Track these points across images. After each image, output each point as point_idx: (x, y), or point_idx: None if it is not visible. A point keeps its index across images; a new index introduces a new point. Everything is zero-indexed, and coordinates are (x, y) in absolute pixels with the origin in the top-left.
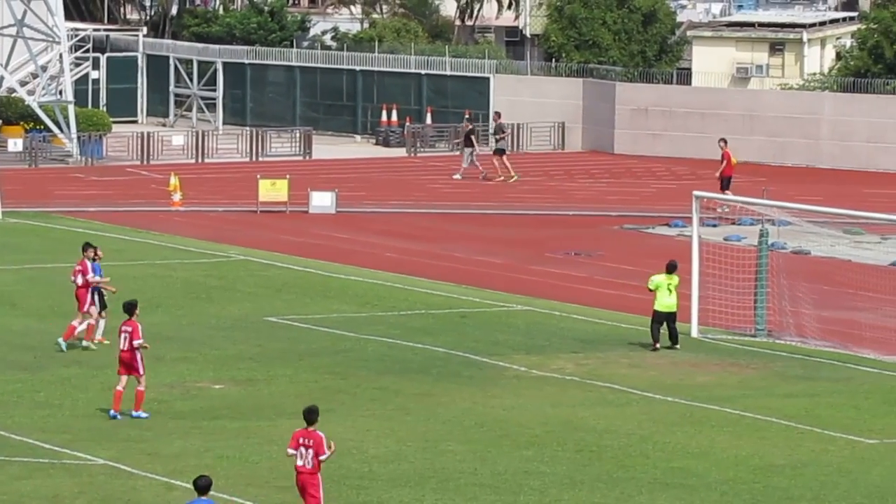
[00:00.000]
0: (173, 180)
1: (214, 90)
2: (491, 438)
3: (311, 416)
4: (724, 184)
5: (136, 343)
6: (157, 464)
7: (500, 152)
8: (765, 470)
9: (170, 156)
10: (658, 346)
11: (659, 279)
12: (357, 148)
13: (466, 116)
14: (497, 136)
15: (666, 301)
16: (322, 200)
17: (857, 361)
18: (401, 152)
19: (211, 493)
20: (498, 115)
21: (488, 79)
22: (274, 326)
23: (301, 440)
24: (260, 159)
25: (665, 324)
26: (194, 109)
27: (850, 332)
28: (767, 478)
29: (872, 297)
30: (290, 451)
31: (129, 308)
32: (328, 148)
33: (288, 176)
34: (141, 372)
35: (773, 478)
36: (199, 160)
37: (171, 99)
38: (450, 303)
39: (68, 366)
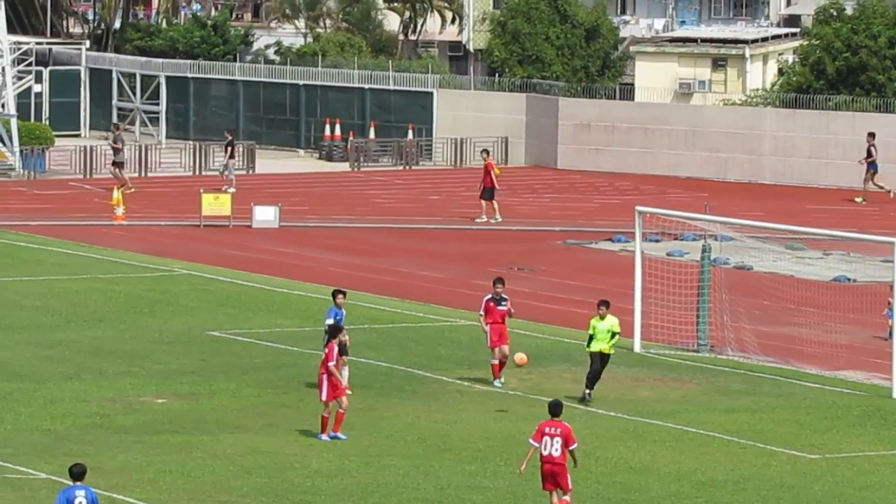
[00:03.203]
0: (116, 194)
1: (157, 104)
2: (433, 453)
3: (556, 408)
4: (486, 194)
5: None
6: (100, 478)
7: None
8: (707, 485)
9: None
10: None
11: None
12: (300, 162)
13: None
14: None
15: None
16: (265, 215)
17: (799, 377)
18: (344, 167)
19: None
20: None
21: (431, 93)
22: (217, 341)
23: (548, 430)
24: (203, 173)
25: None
26: (137, 123)
27: (791, 347)
28: (710, 493)
29: (814, 312)
30: (534, 442)
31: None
32: (271, 162)
33: (231, 190)
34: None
35: (716, 493)
36: (142, 174)
37: (114, 112)
38: (393, 317)
39: (10, 380)
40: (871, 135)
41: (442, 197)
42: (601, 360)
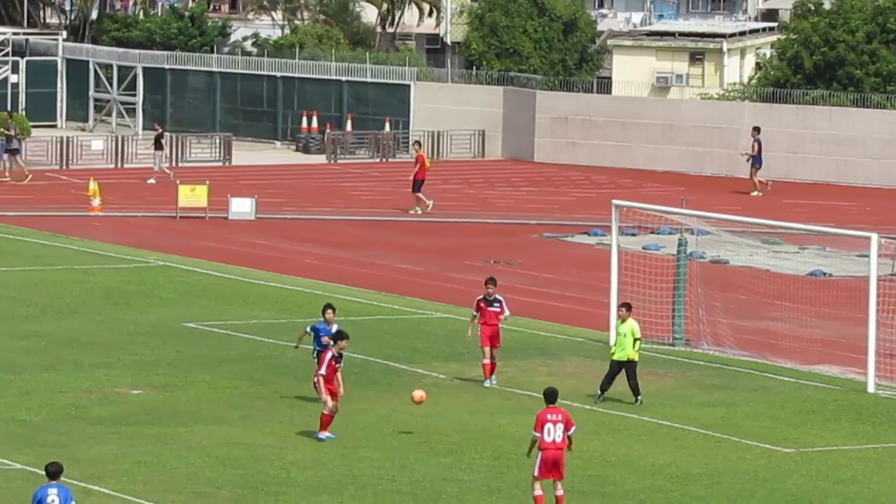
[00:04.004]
0: (92, 185)
1: (134, 95)
2: (409, 445)
3: (553, 396)
4: (416, 187)
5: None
6: (75, 469)
7: None
8: (682, 478)
9: (89, 160)
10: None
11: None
12: (277, 154)
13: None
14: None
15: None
16: (242, 206)
17: (775, 371)
18: (321, 159)
19: (127, 497)
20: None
21: (409, 86)
22: (193, 332)
23: (550, 417)
24: (180, 165)
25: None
26: (114, 114)
27: (767, 341)
28: (684, 486)
29: (790, 307)
30: (537, 433)
31: None
32: (248, 154)
33: (208, 182)
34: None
35: (690, 486)
36: (119, 165)
37: (91, 103)
38: (369, 310)
39: None
40: (756, 129)
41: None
42: (621, 367)
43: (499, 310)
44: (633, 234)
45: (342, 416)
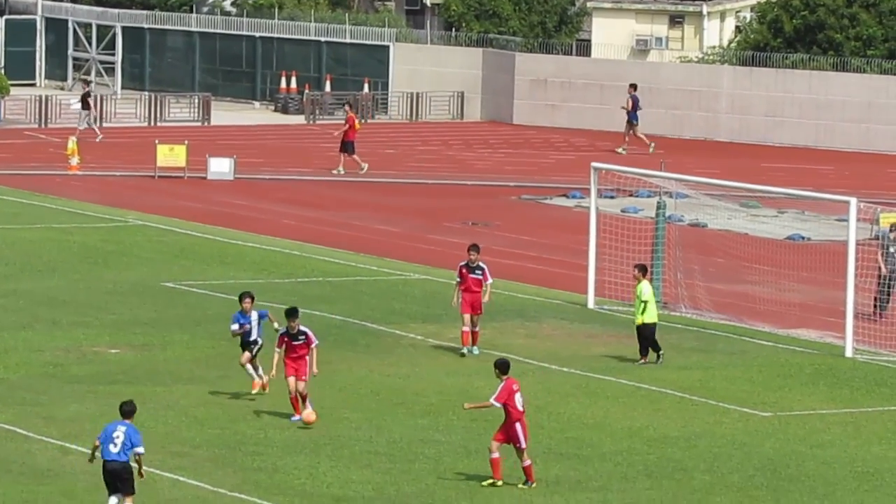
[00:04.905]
0: (71, 144)
1: (113, 54)
2: (386, 407)
3: (505, 366)
4: (346, 148)
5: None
6: (53, 427)
7: None
8: (659, 441)
9: (68, 120)
10: (644, 360)
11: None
12: (256, 115)
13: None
14: None
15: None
16: (220, 167)
17: (752, 335)
18: (299, 120)
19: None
20: None
21: (388, 47)
22: (171, 292)
23: (515, 387)
24: (158, 124)
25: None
26: (93, 73)
27: (745, 305)
28: (661, 449)
29: (768, 270)
30: (498, 403)
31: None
32: (227, 114)
33: (186, 141)
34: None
35: (667, 449)
36: (98, 124)
37: (70, 62)
38: (347, 271)
39: None
40: (633, 86)
41: (397, 151)
42: (641, 331)
43: (481, 277)
44: (612, 197)
45: (320, 377)
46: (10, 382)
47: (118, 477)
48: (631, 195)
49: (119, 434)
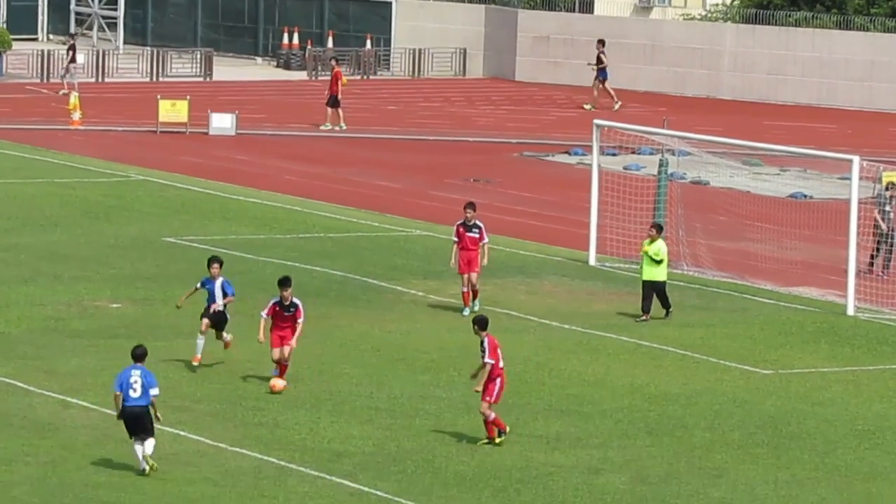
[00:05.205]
0: (73, 99)
1: (115, 9)
2: (387, 362)
3: (485, 323)
4: (331, 102)
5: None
6: (54, 381)
7: None
8: (660, 398)
9: (70, 74)
10: (647, 317)
11: (643, 246)
12: (258, 70)
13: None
14: None
15: (648, 270)
16: (222, 122)
17: (754, 292)
18: (301, 75)
19: (105, 410)
20: None
21: (390, 3)
22: (172, 247)
23: (496, 343)
24: (160, 80)
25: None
26: (95, 28)
27: (747, 263)
28: (662, 406)
29: (770, 228)
30: (491, 360)
31: None
32: (229, 70)
33: (188, 97)
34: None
35: (668, 406)
36: (100, 79)
37: (72, 17)
38: (348, 227)
39: None
40: (601, 42)
41: (399, 107)
42: (649, 287)
43: (477, 236)
44: (614, 154)
45: (320, 333)
46: (11, 336)
47: (140, 420)
48: (633, 152)
49: (136, 379)
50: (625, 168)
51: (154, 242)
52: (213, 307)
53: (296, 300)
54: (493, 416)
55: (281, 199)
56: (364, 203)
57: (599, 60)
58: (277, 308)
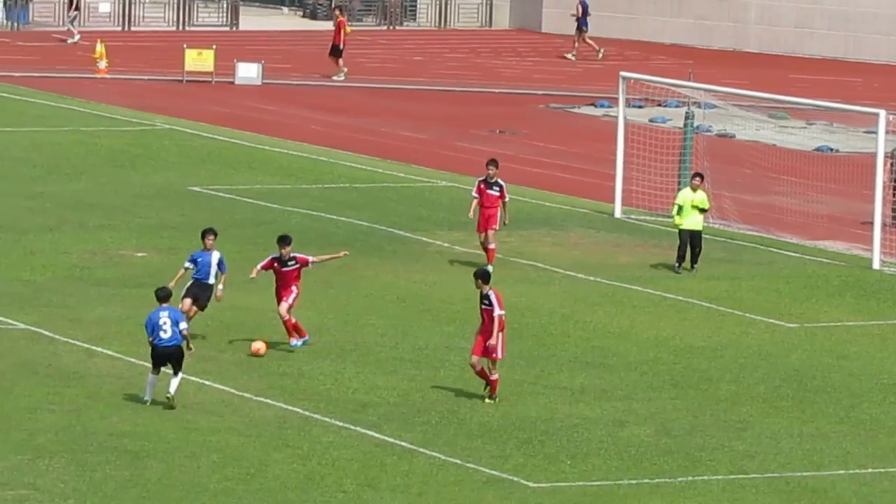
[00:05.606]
0: (99, 48)
1: None
2: (412, 313)
3: (488, 276)
4: (334, 51)
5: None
6: (79, 330)
7: None
8: (685, 351)
9: (96, 23)
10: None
11: (684, 195)
12: (284, 20)
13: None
14: None
15: (689, 220)
16: (248, 72)
17: (780, 246)
18: (328, 25)
19: (130, 359)
20: None
21: None
22: (198, 196)
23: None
24: (186, 29)
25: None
26: None
27: (772, 216)
28: (687, 359)
29: (796, 182)
30: (504, 311)
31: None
32: (255, 19)
33: (214, 46)
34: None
35: (693, 359)
36: (126, 28)
37: None
38: (374, 177)
39: None
40: None
41: (425, 58)
42: (691, 237)
43: (498, 193)
44: (640, 107)
45: (346, 283)
46: (37, 284)
47: (172, 357)
48: (659, 105)
49: (165, 320)
50: (651, 120)
51: (180, 192)
52: (218, 295)
53: (294, 254)
54: (496, 375)
55: (307, 149)
56: (390, 153)
57: (580, 11)
58: (276, 263)
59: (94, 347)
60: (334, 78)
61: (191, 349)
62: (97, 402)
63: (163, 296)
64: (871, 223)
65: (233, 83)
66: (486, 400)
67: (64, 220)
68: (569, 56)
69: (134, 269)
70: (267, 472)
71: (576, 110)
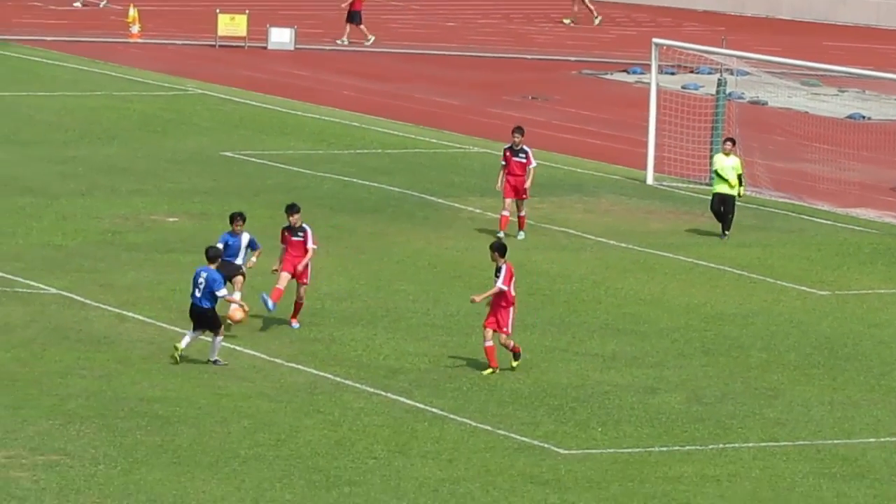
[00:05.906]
0: (132, 12)
1: None
2: (444, 279)
3: (504, 249)
4: (353, 17)
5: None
6: (110, 295)
7: None
8: (716, 318)
9: None
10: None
11: (719, 161)
12: None
13: None
14: None
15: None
16: (281, 37)
17: (811, 213)
18: None
19: (161, 324)
20: None
21: None
22: (230, 161)
23: (513, 271)
24: None
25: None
26: None
27: (804, 183)
28: (718, 326)
29: (828, 149)
30: (505, 287)
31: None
32: None
33: (247, 11)
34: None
35: (725, 326)
36: None
37: None
38: (405, 143)
39: (22, 195)
40: None
41: (458, 24)
42: (721, 202)
43: (524, 160)
44: (672, 74)
45: (378, 249)
46: (68, 249)
47: (202, 317)
48: (691, 72)
49: (202, 280)
50: (683, 87)
51: (211, 157)
52: (246, 267)
53: (305, 226)
54: (512, 343)
55: (339, 115)
56: (422, 119)
57: None
58: (286, 233)
59: (125, 312)
60: (366, 43)
61: (245, 309)
62: (128, 368)
63: (210, 256)
64: None
65: (265, 48)
66: (513, 363)
67: (96, 184)
68: (566, 21)
69: (165, 234)
70: (298, 437)
71: (608, 77)
